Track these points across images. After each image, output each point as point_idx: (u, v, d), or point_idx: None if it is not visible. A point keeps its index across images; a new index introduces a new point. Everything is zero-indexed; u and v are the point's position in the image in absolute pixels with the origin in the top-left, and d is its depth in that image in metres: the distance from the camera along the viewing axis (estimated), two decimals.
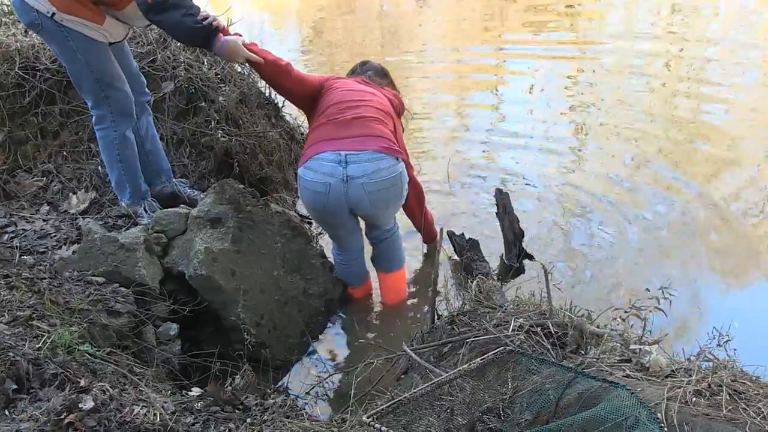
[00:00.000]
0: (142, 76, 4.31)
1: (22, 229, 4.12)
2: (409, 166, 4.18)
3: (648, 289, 3.05)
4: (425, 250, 4.88)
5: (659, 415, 2.08)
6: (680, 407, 2.14)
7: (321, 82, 4.22)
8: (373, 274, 4.47)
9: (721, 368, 2.39)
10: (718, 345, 2.53)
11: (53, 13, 3.64)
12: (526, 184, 5.87)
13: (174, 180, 4.53)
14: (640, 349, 2.66)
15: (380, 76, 4.44)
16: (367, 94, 4.10)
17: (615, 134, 6.78)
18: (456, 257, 4.65)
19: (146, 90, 4.35)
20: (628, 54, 9.23)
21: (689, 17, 11.21)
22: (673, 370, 2.46)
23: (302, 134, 5.83)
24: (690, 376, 2.34)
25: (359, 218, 4.20)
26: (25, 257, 3.78)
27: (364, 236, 4.34)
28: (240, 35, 3.92)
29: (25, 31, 4.98)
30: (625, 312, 2.97)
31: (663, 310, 2.91)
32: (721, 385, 2.25)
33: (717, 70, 8.59)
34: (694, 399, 2.20)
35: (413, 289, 4.49)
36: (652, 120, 7.10)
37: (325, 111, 4.00)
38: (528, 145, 6.68)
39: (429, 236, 4.80)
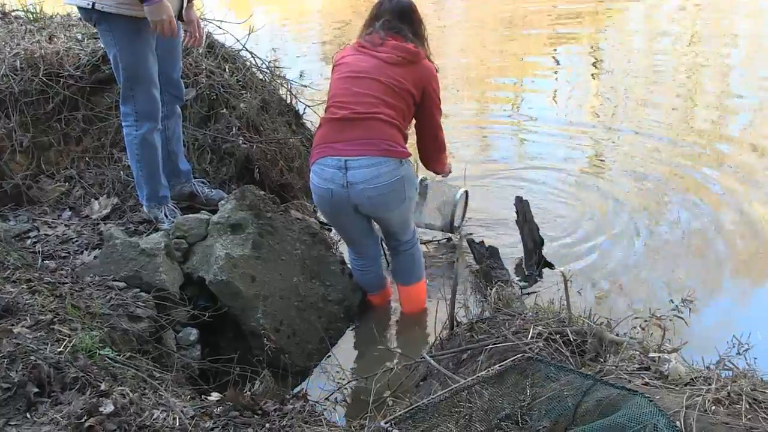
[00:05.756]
0: (182, 83, 4.37)
1: (45, 234, 4.15)
2: (437, 126, 4.10)
3: (672, 301, 3.01)
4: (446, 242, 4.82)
5: (678, 423, 2.07)
6: (699, 415, 2.12)
7: (333, 66, 4.09)
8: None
9: (741, 377, 2.38)
10: (738, 354, 2.52)
11: (93, 3, 3.69)
12: (545, 185, 5.89)
13: (193, 180, 4.56)
14: (659, 357, 2.65)
15: (398, 18, 3.97)
16: (368, 78, 3.85)
17: (639, 140, 6.79)
18: (475, 265, 4.64)
19: (183, 97, 4.43)
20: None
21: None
22: (692, 379, 2.45)
23: None
24: (709, 384, 2.33)
25: (373, 223, 4.20)
26: (47, 262, 3.82)
27: (383, 245, 4.34)
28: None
29: (49, 38, 5.04)
30: (645, 321, 2.96)
31: (684, 319, 2.89)
32: (740, 394, 2.24)
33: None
34: (713, 407, 2.18)
35: (432, 296, 4.47)
36: (678, 120, 7.16)
37: (329, 106, 3.93)
38: (550, 144, 6.79)
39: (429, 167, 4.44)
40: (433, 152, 4.22)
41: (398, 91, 3.84)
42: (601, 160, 6.54)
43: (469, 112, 8.13)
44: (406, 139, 3.93)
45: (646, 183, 5.93)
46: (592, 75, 9.22)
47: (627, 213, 5.42)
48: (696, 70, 9.04)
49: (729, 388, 2.27)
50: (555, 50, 10.50)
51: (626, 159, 6.45)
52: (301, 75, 7.57)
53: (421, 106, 3.97)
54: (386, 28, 3.93)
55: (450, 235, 5.10)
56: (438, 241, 5.13)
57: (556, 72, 9.55)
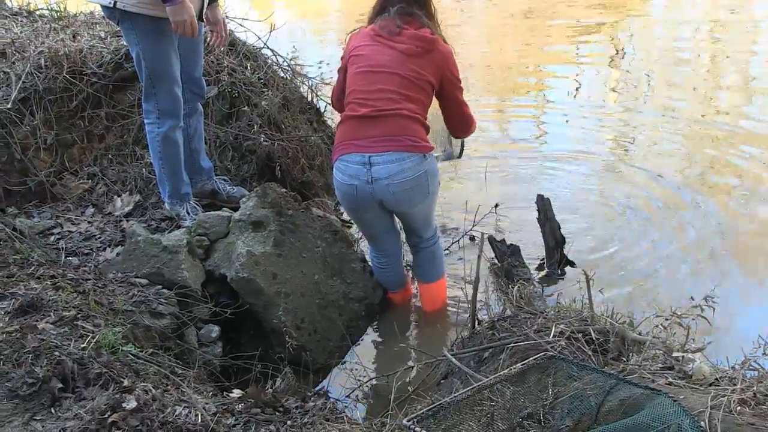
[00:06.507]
0: (203, 81, 4.40)
1: (68, 231, 4.18)
2: (462, 104, 4.05)
3: (693, 298, 2.99)
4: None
5: (703, 423, 2.05)
6: (724, 416, 2.10)
7: (345, 58, 4.03)
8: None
9: (767, 377, 2.35)
10: (764, 354, 2.49)
11: (114, 2, 3.71)
12: (570, 173, 5.90)
13: (215, 178, 4.58)
14: (683, 356, 2.63)
15: (414, 3, 3.91)
16: (388, 73, 3.81)
17: (664, 125, 6.81)
18: (497, 263, 4.62)
19: (204, 95, 4.47)
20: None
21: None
22: (717, 379, 2.43)
23: None
24: (734, 384, 2.30)
25: (395, 219, 4.20)
26: (70, 258, 3.85)
27: (404, 243, 4.34)
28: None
29: (73, 37, 5.08)
30: (666, 320, 2.94)
31: (707, 318, 2.87)
32: (766, 395, 2.21)
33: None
34: (738, 408, 2.16)
35: (453, 295, 4.46)
36: (702, 105, 7.19)
37: (349, 102, 3.90)
38: (573, 130, 6.85)
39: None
40: (462, 126, 4.20)
41: (418, 83, 3.81)
42: (625, 149, 6.56)
43: (491, 99, 8.13)
44: (428, 130, 3.92)
45: (674, 171, 5.94)
46: (612, 59, 9.26)
47: (653, 204, 5.41)
48: (718, 55, 9.04)
49: (755, 388, 2.25)
50: (577, 38, 10.50)
51: (652, 145, 6.48)
52: (320, 63, 7.56)
53: (443, 90, 3.94)
54: (401, 14, 3.88)
55: (472, 232, 5.07)
56: (458, 240, 5.11)
57: (578, 59, 9.53)
